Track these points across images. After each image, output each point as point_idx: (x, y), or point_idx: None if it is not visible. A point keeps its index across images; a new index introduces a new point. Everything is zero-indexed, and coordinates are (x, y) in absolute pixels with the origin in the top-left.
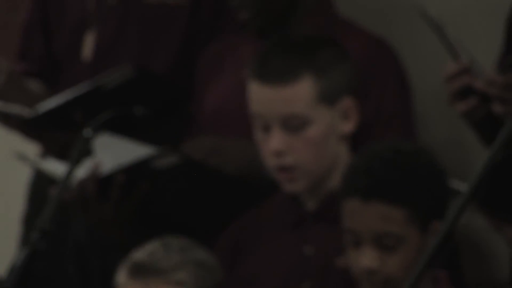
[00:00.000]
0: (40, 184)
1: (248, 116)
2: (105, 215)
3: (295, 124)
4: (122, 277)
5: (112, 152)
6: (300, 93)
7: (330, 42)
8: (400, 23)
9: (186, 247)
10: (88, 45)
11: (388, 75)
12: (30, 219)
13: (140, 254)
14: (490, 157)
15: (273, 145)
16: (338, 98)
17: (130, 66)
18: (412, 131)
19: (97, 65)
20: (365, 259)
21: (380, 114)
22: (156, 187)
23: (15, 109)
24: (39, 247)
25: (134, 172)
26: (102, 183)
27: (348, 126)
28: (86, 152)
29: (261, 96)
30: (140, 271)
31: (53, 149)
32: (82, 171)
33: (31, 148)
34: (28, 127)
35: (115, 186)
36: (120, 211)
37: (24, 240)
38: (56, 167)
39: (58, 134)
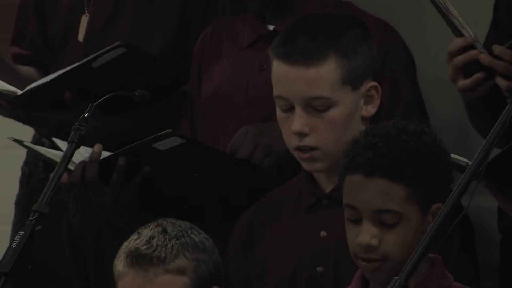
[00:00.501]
0: (33, 166)
1: (247, 97)
2: (106, 199)
3: (318, 105)
4: (120, 266)
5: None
6: (325, 74)
7: (355, 23)
8: (399, 7)
9: (182, 231)
10: (84, 28)
11: (401, 60)
12: (23, 201)
13: (138, 242)
14: (490, 138)
15: (296, 126)
16: (362, 81)
17: (120, 44)
18: (427, 116)
19: (90, 46)
20: (364, 235)
21: (397, 101)
22: (158, 169)
23: (2, 87)
24: (35, 230)
25: (136, 155)
26: (103, 166)
27: (370, 109)
28: (86, 133)
29: (284, 76)
30: (139, 260)
31: (44, 131)
32: (81, 155)
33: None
34: (16, 107)
35: (117, 169)
36: (121, 194)
37: (18, 222)
38: (53, 152)
39: (48, 114)
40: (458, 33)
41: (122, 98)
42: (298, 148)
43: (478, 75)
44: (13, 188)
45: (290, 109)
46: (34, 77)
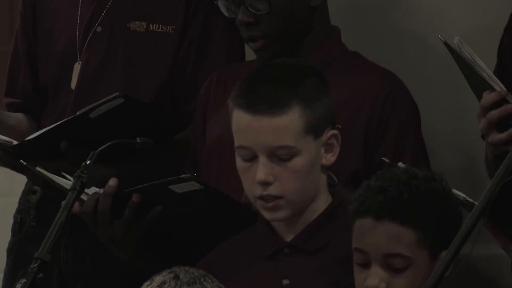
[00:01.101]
0: (25, 214)
1: None
2: (115, 233)
3: (283, 154)
4: None
5: None
6: (290, 124)
7: (312, 71)
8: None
9: (194, 278)
10: (77, 75)
11: (406, 109)
12: (14, 249)
13: (151, 286)
14: (495, 181)
15: (260, 175)
16: (323, 130)
17: (118, 94)
18: (429, 166)
19: (83, 92)
20: (372, 278)
21: (402, 151)
22: (170, 209)
23: (2, 138)
24: (37, 277)
25: (151, 193)
26: (116, 201)
27: (330, 158)
28: (88, 179)
29: (248, 126)
30: None
31: (38, 181)
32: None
33: None
34: (12, 157)
35: (130, 205)
36: (130, 230)
37: (10, 270)
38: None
39: (43, 163)
40: (488, 86)
41: (120, 146)
42: (261, 198)
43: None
44: (5, 235)
45: (252, 158)
46: (23, 123)
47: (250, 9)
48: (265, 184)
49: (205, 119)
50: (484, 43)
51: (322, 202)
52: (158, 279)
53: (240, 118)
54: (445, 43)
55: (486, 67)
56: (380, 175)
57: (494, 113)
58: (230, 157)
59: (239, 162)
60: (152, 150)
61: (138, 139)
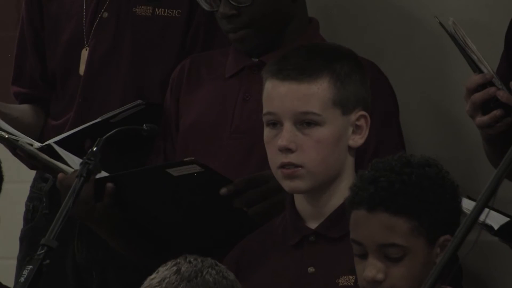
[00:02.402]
0: (37, 202)
1: (231, 128)
2: (96, 214)
3: (307, 122)
4: None
5: None
6: (317, 92)
7: (350, 54)
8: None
9: (197, 271)
10: (85, 61)
11: (388, 100)
12: (27, 237)
13: (152, 282)
14: (498, 174)
15: (283, 140)
16: (352, 108)
17: (140, 102)
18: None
19: (91, 78)
20: (369, 269)
21: (384, 141)
22: (165, 193)
23: (23, 140)
24: (44, 264)
25: (147, 177)
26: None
27: (357, 140)
28: (95, 166)
29: (276, 92)
30: None
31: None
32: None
33: None
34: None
35: (107, 192)
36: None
37: (23, 258)
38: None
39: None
40: (476, 68)
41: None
42: (282, 166)
43: (496, 112)
44: (18, 223)
45: (278, 126)
46: (29, 115)
47: (232, 1)
48: (287, 151)
49: (177, 106)
50: (478, 25)
51: (348, 186)
52: (161, 272)
53: (269, 86)
54: (440, 24)
55: (476, 50)
56: (374, 165)
57: (478, 96)
58: (205, 142)
59: (265, 132)
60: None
61: (144, 126)
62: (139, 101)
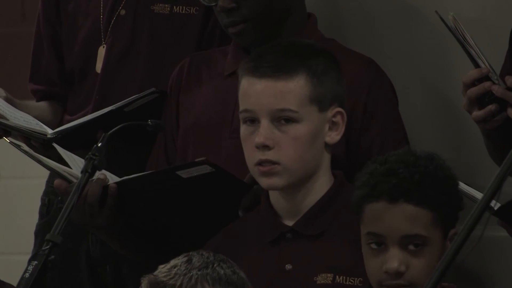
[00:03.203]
0: (52, 196)
1: (231, 128)
2: (101, 220)
3: (284, 119)
4: None
5: None
6: (294, 89)
7: (325, 51)
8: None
9: (208, 263)
10: (102, 59)
11: (387, 95)
12: (42, 231)
13: (161, 270)
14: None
15: (260, 138)
16: (329, 105)
17: (153, 90)
18: None
19: (108, 75)
20: (392, 261)
21: (388, 136)
22: (175, 195)
23: (36, 129)
24: (49, 260)
25: (158, 180)
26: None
27: (334, 136)
28: (100, 161)
29: (253, 90)
30: (154, 287)
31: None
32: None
33: None
34: (48, 147)
35: (110, 193)
36: (109, 217)
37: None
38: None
39: (78, 152)
40: (474, 63)
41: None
42: (259, 163)
43: (491, 107)
44: (33, 218)
45: (255, 123)
46: (47, 112)
47: None
48: (264, 148)
49: (177, 105)
50: (478, 22)
51: (324, 183)
52: (172, 262)
53: (245, 82)
54: (441, 19)
55: (474, 45)
56: (382, 160)
57: (473, 90)
58: (205, 142)
59: (242, 130)
60: None
61: (149, 121)
62: (153, 89)
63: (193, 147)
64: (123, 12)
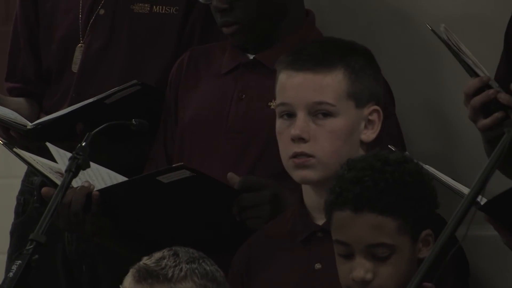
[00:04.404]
0: (28, 195)
1: (226, 127)
2: (88, 227)
3: (321, 113)
4: (127, 282)
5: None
6: (332, 83)
7: (364, 50)
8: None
9: (194, 258)
10: (79, 57)
11: (384, 94)
12: (18, 231)
13: (149, 260)
14: (489, 165)
15: (296, 130)
16: (366, 102)
17: (135, 82)
18: (405, 147)
19: (86, 75)
20: (358, 270)
21: (383, 132)
22: (156, 200)
23: (16, 120)
24: (33, 259)
25: (139, 186)
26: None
27: (369, 135)
28: (84, 160)
29: (291, 82)
30: (146, 276)
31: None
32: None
33: None
34: (27, 139)
35: (94, 201)
36: (96, 223)
37: (13, 252)
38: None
39: (58, 144)
40: (472, 72)
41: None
42: (294, 156)
43: (498, 115)
44: (8, 218)
45: (291, 117)
46: (25, 107)
47: None
48: (300, 141)
49: (176, 99)
50: (470, 30)
51: None
52: (157, 255)
53: (283, 76)
54: (433, 31)
55: (471, 54)
56: (352, 164)
57: (477, 99)
58: (203, 137)
59: (278, 124)
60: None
61: (133, 121)
62: (134, 81)
63: (189, 144)
64: (102, 11)
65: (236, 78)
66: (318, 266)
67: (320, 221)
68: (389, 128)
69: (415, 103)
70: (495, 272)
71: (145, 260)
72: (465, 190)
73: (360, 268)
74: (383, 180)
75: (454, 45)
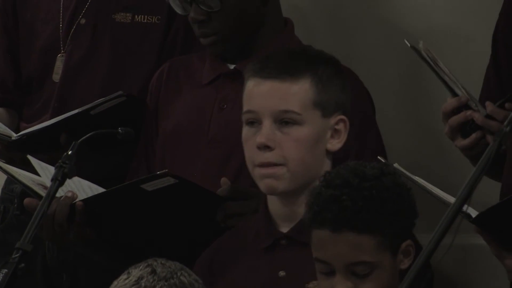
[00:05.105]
0: (8, 203)
1: (208, 137)
2: (73, 237)
3: (287, 121)
4: None
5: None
6: (298, 91)
7: (332, 59)
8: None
9: (171, 272)
10: (60, 66)
11: (365, 105)
12: None
13: (127, 282)
14: (473, 177)
15: (261, 138)
16: (332, 112)
17: (120, 93)
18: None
19: (67, 84)
20: None
21: (364, 146)
22: (150, 207)
23: (0, 131)
24: (19, 268)
25: (123, 195)
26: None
27: (335, 144)
28: (70, 169)
29: (257, 90)
30: None
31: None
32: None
33: None
34: (11, 150)
35: (78, 211)
36: (80, 234)
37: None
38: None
39: (42, 155)
40: (450, 90)
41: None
42: (260, 165)
43: (476, 135)
44: None
45: (257, 125)
46: (4, 117)
47: (201, 6)
48: (265, 149)
49: (156, 109)
50: (449, 45)
51: None
52: (135, 272)
53: (250, 83)
54: (412, 47)
55: (448, 71)
56: (329, 180)
57: (454, 119)
58: (184, 147)
59: (244, 131)
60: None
61: (119, 129)
62: (120, 92)
63: (170, 155)
64: (83, 21)
65: (217, 88)
66: (282, 273)
67: (285, 228)
68: (370, 141)
69: (400, 112)
70: (484, 281)
71: (124, 282)
72: (451, 199)
73: (341, 287)
74: (361, 198)
75: (432, 62)
